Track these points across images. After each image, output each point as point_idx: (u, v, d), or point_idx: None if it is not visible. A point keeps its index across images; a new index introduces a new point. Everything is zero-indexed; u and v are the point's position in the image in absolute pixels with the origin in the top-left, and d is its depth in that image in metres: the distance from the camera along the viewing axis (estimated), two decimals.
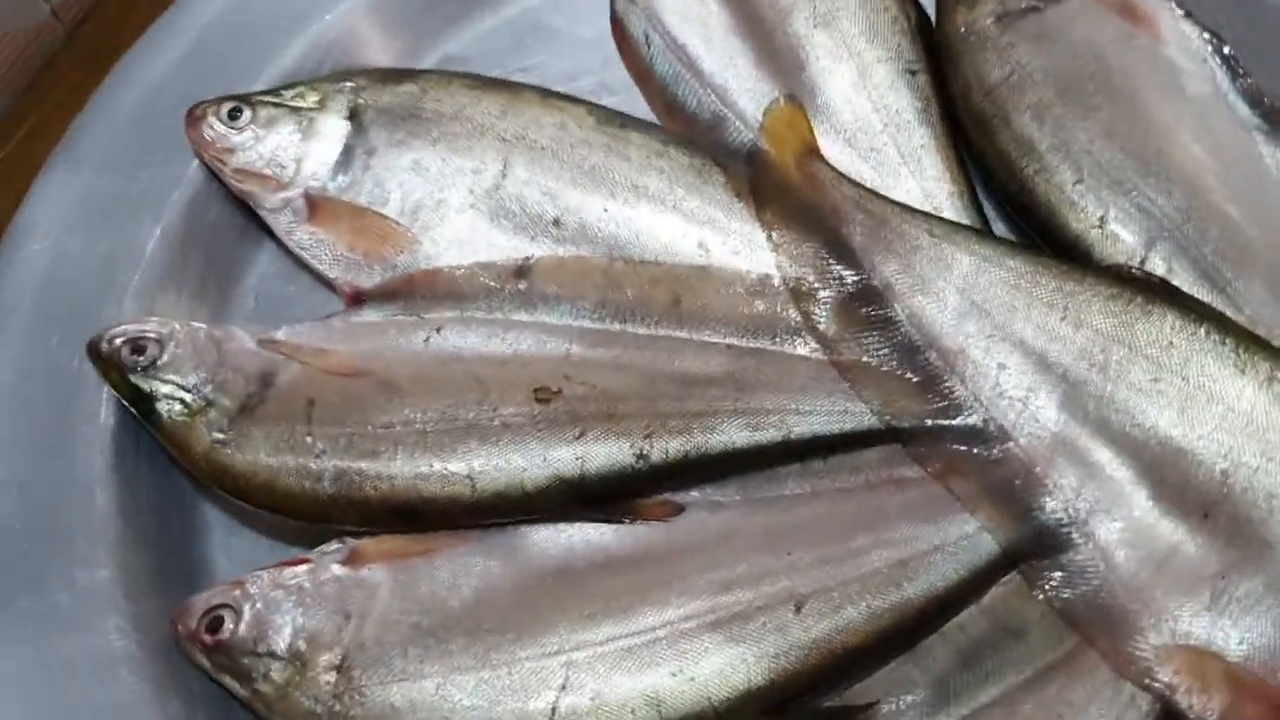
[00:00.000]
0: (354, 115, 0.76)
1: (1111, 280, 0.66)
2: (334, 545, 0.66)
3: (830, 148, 0.74)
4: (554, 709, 0.60)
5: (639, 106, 0.79)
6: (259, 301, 0.78)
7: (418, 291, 0.73)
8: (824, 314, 0.70)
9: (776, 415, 0.67)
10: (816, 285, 0.70)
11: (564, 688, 0.61)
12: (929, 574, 0.64)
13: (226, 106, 0.75)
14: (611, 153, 0.74)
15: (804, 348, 0.69)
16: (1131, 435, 0.63)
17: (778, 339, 0.70)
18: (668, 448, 0.66)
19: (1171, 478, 0.63)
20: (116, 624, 0.65)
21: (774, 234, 0.72)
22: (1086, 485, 0.64)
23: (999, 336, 0.66)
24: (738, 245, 0.73)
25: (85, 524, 0.68)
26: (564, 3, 0.84)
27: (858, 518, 0.65)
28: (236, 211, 0.77)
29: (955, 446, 0.66)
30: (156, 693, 0.64)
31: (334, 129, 0.75)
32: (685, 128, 0.78)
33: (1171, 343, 0.64)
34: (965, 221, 0.73)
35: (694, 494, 0.67)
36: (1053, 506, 0.64)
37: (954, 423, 0.66)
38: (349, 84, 0.77)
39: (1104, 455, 0.64)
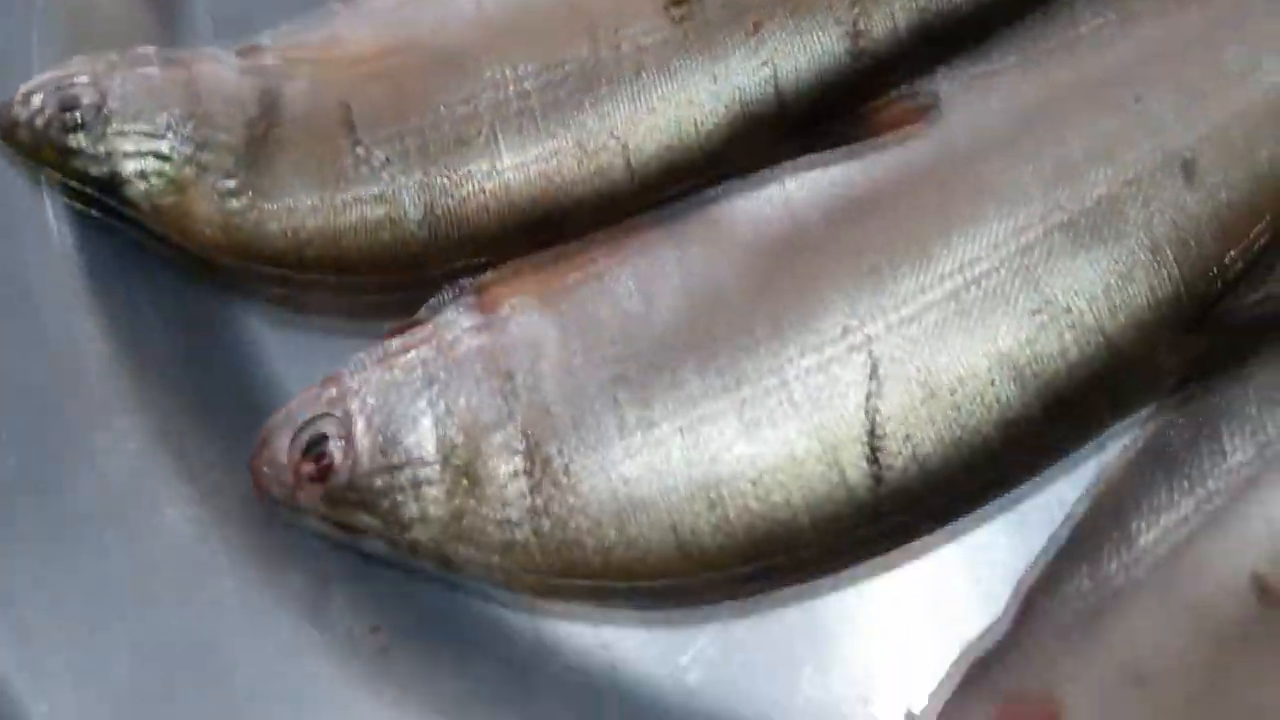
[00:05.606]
0: None
1: None
2: (446, 296, 0.44)
3: None
4: (870, 408, 0.39)
5: None
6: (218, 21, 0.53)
7: None
8: None
9: None
10: None
11: (873, 375, 0.39)
12: None
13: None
14: None
15: None
16: None
17: None
18: (893, 12, 0.44)
19: None
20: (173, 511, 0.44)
21: None
22: None
23: None
24: None
25: (87, 398, 0.46)
26: None
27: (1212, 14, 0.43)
28: None
29: None
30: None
31: None
32: None
33: None
34: None
35: (942, 81, 0.44)
36: None
37: None
38: None
39: None
